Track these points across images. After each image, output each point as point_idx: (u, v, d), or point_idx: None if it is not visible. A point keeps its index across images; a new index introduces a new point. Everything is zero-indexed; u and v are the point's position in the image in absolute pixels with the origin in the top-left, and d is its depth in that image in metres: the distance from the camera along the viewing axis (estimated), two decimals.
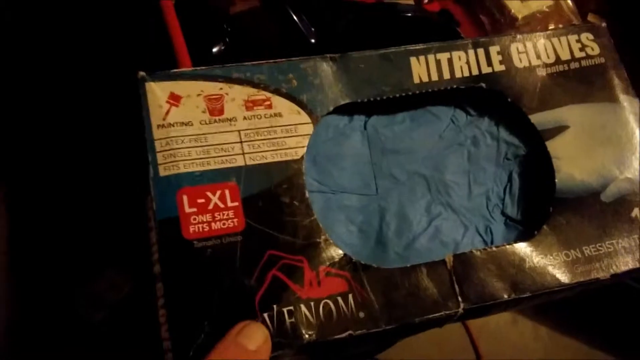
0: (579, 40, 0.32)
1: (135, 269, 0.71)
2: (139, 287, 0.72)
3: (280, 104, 0.28)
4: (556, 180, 0.29)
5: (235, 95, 0.28)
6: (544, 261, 0.27)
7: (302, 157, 0.27)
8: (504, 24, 0.51)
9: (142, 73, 0.27)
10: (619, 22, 0.54)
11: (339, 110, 0.30)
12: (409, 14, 0.39)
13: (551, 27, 0.52)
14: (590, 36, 0.33)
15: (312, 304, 0.25)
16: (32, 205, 0.61)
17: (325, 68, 0.29)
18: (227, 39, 0.43)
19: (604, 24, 0.33)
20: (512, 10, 0.50)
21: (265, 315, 0.24)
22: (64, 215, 0.65)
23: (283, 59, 0.29)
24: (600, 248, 0.28)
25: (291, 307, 0.25)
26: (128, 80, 0.30)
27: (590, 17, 0.54)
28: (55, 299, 0.68)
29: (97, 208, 0.64)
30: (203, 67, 0.28)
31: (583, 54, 0.32)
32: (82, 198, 0.63)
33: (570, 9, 0.53)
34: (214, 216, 0.25)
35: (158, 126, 0.26)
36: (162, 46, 0.38)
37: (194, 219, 0.25)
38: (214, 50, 0.42)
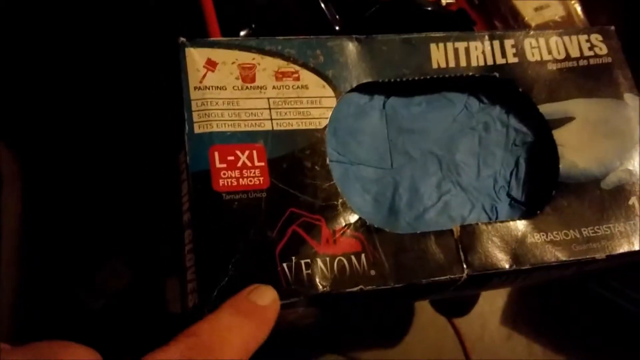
0: (588, 40, 0.34)
1: (136, 258, 0.73)
2: (139, 277, 0.74)
3: (308, 77, 0.30)
4: (560, 166, 0.31)
5: (267, 65, 0.30)
6: (544, 238, 0.29)
7: (325, 127, 0.29)
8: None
9: (182, 39, 0.29)
10: (628, 36, 0.56)
11: (361, 88, 0.32)
12: (430, 8, 0.41)
13: None
14: (600, 37, 0.35)
15: (327, 259, 0.27)
16: (39, 196, 0.62)
17: (351, 47, 0.31)
18: (254, 25, 0.45)
19: (612, 27, 0.36)
20: (526, 18, 0.53)
21: (285, 265, 0.26)
22: (67, 205, 0.66)
23: (312, 36, 0.31)
24: (597, 230, 0.30)
25: (308, 260, 0.26)
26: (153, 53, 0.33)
27: None
28: (57, 286, 0.70)
29: (99, 199, 0.66)
30: (238, 37, 0.30)
31: (592, 53, 0.34)
32: (86, 190, 0.65)
33: (581, 20, 0.55)
34: (242, 173, 0.27)
35: (195, 88, 0.29)
36: (193, 17, 0.40)
37: (224, 174, 0.27)
38: (241, 34, 0.44)
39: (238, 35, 0.44)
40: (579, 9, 0.55)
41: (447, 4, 0.53)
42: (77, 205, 0.67)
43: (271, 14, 0.44)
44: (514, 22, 0.53)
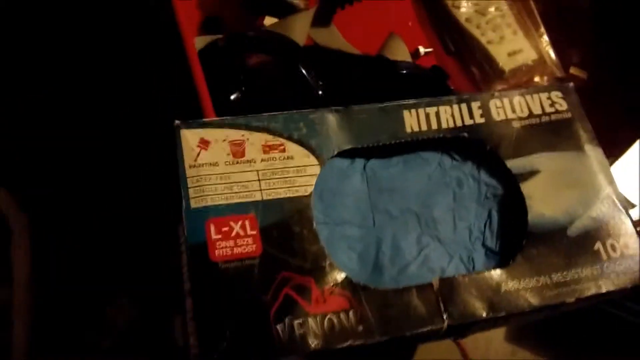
0: (549, 98, 0.38)
1: (142, 296, 0.75)
2: (146, 314, 0.76)
3: (293, 148, 0.33)
4: (528, 217, 0.34)
5: (255, 140, 0.33)
6: (517, 285, 0.32)
7: (311, 193, 0.32)
8: (492, 76, 0.56)
9: (177, 122, 0.32)
10: (600, 73, 0.60)
11: (342, 154, 0.35)
12: (405, 72, 0.44)
13: (536, 79, 0.58)
14: (560, 94, 0.38)
15: (318, 318, 0.29)
16: (50, 233, 0.65)
17: (331, 118, 0.35)
18: (244, 88, 0.48)
19: (571, 84, 0.39)
20: (500, 64, 0.56)
21: (278, 326, 0.29)
22: (78, 244, 0.69)
23: (294, 111, 0.34)
24: (566, 275, 0.33)
25: (300, 320, 0.29)
26: (159, 124, 0.36)
27: (573, 70, 0.59)
28: (67, 328, 0.72)
29: (107, 237, 0.69)
30: (228, 117, 0.33)
31: (553, 109, 0.37)
32: (95, 230, 0.68)
33: (553, 62, 0.58)
34: (236, 242, 0.30)
35: (190, 166, 0.32)
36: (188, 94, 0.44)
37: (219, 244, 0.30)
38: (232, 97, 0.48)
39: (229, 98, 0.47)
40: (551, 52, 0.59)
41: (425, 52, 0.57)
42: (82, 250, 0.69)
43: (259, 79, 0.47)
44: (488, 67, 0.57)
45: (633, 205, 0.50)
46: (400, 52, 0.52)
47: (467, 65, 0.58)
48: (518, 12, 0.59)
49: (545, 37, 0.59)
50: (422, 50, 0.57)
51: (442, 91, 0.46)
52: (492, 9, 0.58)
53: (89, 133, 0.64)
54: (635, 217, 0.49)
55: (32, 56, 0.65)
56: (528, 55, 0.57)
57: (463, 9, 0.58)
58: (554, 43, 0.59)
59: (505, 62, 0.56)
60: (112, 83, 0.60)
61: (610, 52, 0.60)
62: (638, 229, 0.48)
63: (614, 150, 0.54)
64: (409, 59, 0.52)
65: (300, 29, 0.50)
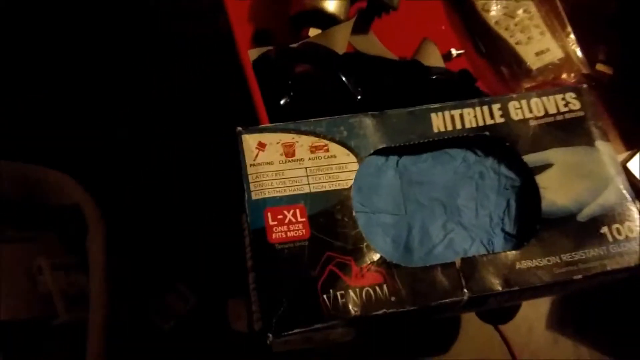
0: (563, 98, 0.42)
1: (201, 284, 0.83)
2: (203, 300, 0.84)
3: (335, 148, 0.39)
4: (542, 205, 0.39)
5: (303, 142, 0.39)
6: (530, 264, 0.37)
7: (351, 186, 0.38)
8: (521, 75, 0.60)
9: (239, 128, 0.39)
10: (625, 70, 0.63)
11: (378, 152, 0.40)
12: (435, 77, 0.49)
13: (564, 76, 0.62)
14: (574, 95, 0.42)
15: (357, 290, 0.35)
16: (117, 236, 0.74)
17: (368, 122, 0.40)
18: (292, 93, 0.54)
19: (585, 86, 0.43)
20: (528, 63, 0.60)
21: (325, 296, 0.35)
22: (142, 237, 0.78)
23: (336, 116, 0.40)
24: (575, 256, 0.37)
25: (343, 292, 0.35)
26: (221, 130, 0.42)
27: (599, 67, 0.62)
28: (134, 311, 0.81)
29: (170, 231, 0.77)
30: (280, 123, 0.39)
31: (567, 109, 0.42)
32: (155, 226, 0.76)
33: (580, 60, 0.62)
34: (289, 227, 0.37)
35: (250, 165, 0.38)
36: (244, 100, 0.50)
37: (276, 229, 0.36)
38: (282, 102, 0.54)
39: (279, 102, 0.54)
40: (577, 50, 0.62)
41: (458, 54, 0.62)
42: (148, 240, 0.78)
43: (304, 86, 0.53)
44: (517, 67, 0.61)
45: None
46: (433, 56, 0.57)
47: (497, 65, 0.62)
48: (545, 14, 0.62)
49: (572, 37, 0.62)
50: (454, 52, 0.61)
51: (470, 93, 0.50)
52: (520, 11, 0.62)
53: (160, 136, 0.72)
54: None
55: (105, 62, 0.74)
56: (555, 55, 0.60)
57: (493, 12, 0.62)
58: (580, 42, 0.62)
59: (533, 62, 0.60)
60: (183, 95, 0.67)
61: (635, 50, 0.63)
62: None
63: (637, 142, 0.57)
64: (441, 61, 0.57)
65: (341, 39, 0.56)
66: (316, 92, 0.52)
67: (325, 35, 0.55)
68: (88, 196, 0.76)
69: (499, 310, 0.75)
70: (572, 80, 0.62)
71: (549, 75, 0.60)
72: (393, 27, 0.62)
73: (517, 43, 0.61)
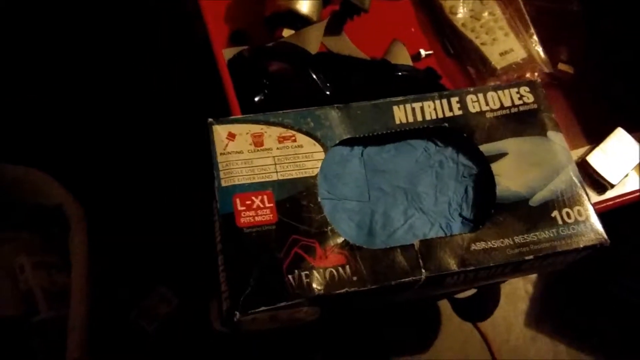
0: (518, 92, 0.45)
1: (183, 285, 0.84)
2: (186, 301, 0.85)
3: (302, 138, 0.41)
4: (497, 191, 0.41)
5: (272, 133, 0.41)
6: (485, 246, 0.39)
7: (317, 174, 0.40)
8: (486, 74, 0.63)
9: (210, 119, 0.41)
10: (585, 69, 0.66)
11: (344, 143, 0.43)
12: (401, 73, 0.52)
13: (527, 75, 0.64)
14: (527, 89, 0.45)
15: (321, 270, 0.37)
16: (99, 235, 0.75)
17: (334, 114, 0.43)
18: (266, 91, 0.56)
19: (538, 80, 0.46)
20: (493, 63, 0.63)
21: (290, 276, 0.37)
22: (124, 239, 0.79)
23: (304, 108, 0.42)
24: (527, 238, 0.40)
25: (307, 272, 0.37)
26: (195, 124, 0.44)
27: (561, 66, 0.65)
28: (117, 312, 0.82)
29: (148, 234, 0.79)
30: (250, 115, 0.42)
31: (521, 102, 0.44)
32: (137, 229, 0.78)
33: (542, 60, 0.65)
34: (257, 212, 0.39)
35: (220, 154, 0.40)
36: (219, 97, 0.52)
37: (244, 214, 0.38)
38: (256, 99, 0.56)
39: (254, 100, 0.56)
40: (540, 50, 0.65)
41: (426, 54, 0.64)
42: (130, 242, 0.79)
43: (278, 84, 0.55)
44: (482, 66, 0.64)
45: (612, 185, 0.57)
46: (401, 56, 0.60)
47: (464, 65, 0.65)
48: (510, 16, 0.65)
49: (535, 37, 0.65)
50: (423, 52, 0.64)
51: (436, 90, 0.53)
52: (485, 14, 0.65)
53: (135, 132, 0.74)
54: (612, 195, 0.56)
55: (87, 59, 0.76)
56: (518, 55, 0.63)
57: (459, 15, 0.65)
58: (543, 42, 0.65)
59: (497, 61, 0.63)
60: (162, 95, 0.69)
61: (595, 50, 0.66)
62: (611, 203, 0.54)
63: (596, 137, 0.60)
64: (409, 61, 0.60)
65: (314, 39, 0.58)
66: (289, 89, 0.54)
67: (299, 35, 0.58)
68: (70, 195, 0.78)
69: (476, 307, 0.77)
70: (536, 79, 0.65)
71: (512, 74, 0.63)
72: (365, 28, 0.64)
73: (482, 44, 0.64)
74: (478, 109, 0.44)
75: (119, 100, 0.82)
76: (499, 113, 0.44)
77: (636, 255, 0.91)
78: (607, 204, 0.57)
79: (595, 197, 0.58)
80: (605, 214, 0.48)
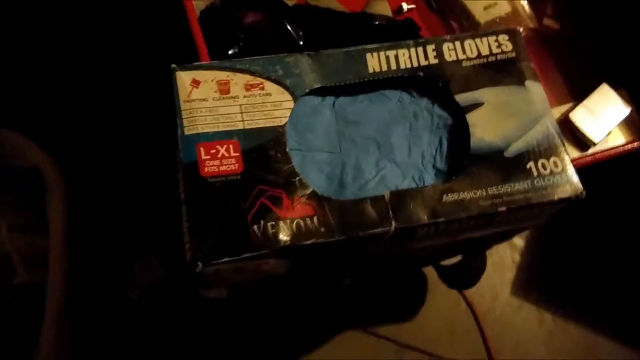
0: (496, 40, 0.43)
1: (167, 254, 0.83)
2: (170, 270, 0.84)
3: (270, 87, 0.40)
4: (471, 142, 0.40)
5: (238, 80, 0.39)
6: (457, 197, 0.38)
7: (285, 124, 0.39)
8: (468, 28, 0.61)
9: (173, 65, 0.39)
10: (571, 25, 0.64)
11: (315, 92, 0.41)
12: (378, 23, 0.50)
13: None
14: (506, 37, 0.43)
15: (288, 221, 0.36)
16: (79, 201, 0.74)
17: (304, 61, 0.41)
18: (241, 43, 0.54)
19: (519, 28, 0.44)
20: (476, 17, 0.61)
21: (255, 227, 0.36)
22: (107, 207, 0.78)
23: (273, 55, 0.41)
24: (500, 189, 0.39)
25: (273, 223, 0.36)
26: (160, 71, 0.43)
27: (546, 21, 0.64)
28: (99, 279, 0.81)
29: (135, 200, 0.77)
30: (216, 61, 0.40)
31: (499, 50, 0.43)
32: (118, 193, 0.76)
33: (527, 15, 0.63)
34: (222, 162, 0.37)
35: (184, 101, 0.38)
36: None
37: (208, 163, 0.37)
38: (230, 52, 0.54)
39: (227, 53, 0.54)
40: (525, 4, 0.63)
41: (409, 9, 0.62)
42: (111, 207, 0.78)
43: (253, 36, 0.53)
44: (465, 21, 0.62)
45: (594, 143, 0.56)
46: (381, 9, 0.58)
47: (447, 19, 0.63)
48: None
49: None
50: (405, 6, 0.62)
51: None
52: None
53: (109, 89, 0.72)
54: (596, 150, 0.55)
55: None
56: (502, 9, 0.61)
57: None
58: None
59: (481, 15, 0.61)
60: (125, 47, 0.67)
61: (581, 5, 0.64)
62: (590, 158, 0.53)
63: (581, 94, 0.59)
64: (389, 14, 0.58)
65: None
66: (263, 41, 0.52)
67: None
68: (47, 157, 0.76)
69: (462, 274, 0.76)
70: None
71: (496, 29, 0.61)
72: None
73: None
74: (455, 58, 0.42)
75: (89, 57, 0.80)
76: (476, 62, 0.42)
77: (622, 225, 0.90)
78: (586, 159, 0.56)
79: (577, 153, 0.57)
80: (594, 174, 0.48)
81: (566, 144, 0.54)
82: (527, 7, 0.63)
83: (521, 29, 0.62)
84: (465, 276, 0.74)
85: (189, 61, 0.43)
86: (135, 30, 0.74)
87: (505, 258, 1.02)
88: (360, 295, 0.88)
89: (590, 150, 0.56)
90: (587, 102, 0.57)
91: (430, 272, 0.92)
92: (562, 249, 0.99)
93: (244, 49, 0.53)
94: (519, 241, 1.00)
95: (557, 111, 0.58)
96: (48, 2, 0.75)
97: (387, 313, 0.92)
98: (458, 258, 0.70)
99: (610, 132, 0.57)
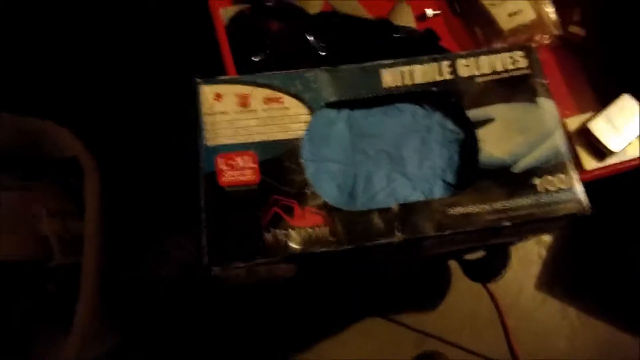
0: (511, 57, 0.44)
1: (198, 233, 0.87)
2: (200, 250, 0.88)
3: (289, 101, 0.42)
4: (479, 157, 0.41)
5: (258, 94, 0.42)
6: (463, 211, 0.40)
7: (301, 136, 0.41)
8: (492, 35, 0.62)
9: (197, 79, 0.42)
10: (599, 33, 0.64)
11: (331, 106, 0.43)
12: (398, 35, 0.51)
13: (537, 37, 0.63)
14: (522, 53, 0.44)
15: (298, 230, 0.39)
16: (118, 181, 0.78)
17: (322, 76, 0.43)
18: (268, 51, 0.57)
19: (533, 45, 0.45)
20: (500, 23, 0.61)
21: (268, 234, 0.38)
22: (140, 189, 0.81)
23: (292, 70, 0.43)
24: (506, 204, 0.40)
25: (285, 231, 0.38)
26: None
27: (572, 29, 0.63)
28: (131, 255, 0.85)
29: (167, 182, 0.81)
30: (237, 76, 0.42)
31: (513, 67, 0.44)
32: (157, 175, 0.80)
33: (552, 22, 0.63)
34: (240, 172, 0.40)
35: (206, 114, 0.41)
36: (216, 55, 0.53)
37: (226, 174, 0.40)
38: (257, 59, 0.56)
39: (253, 59, 0.56)
40: (551, 12, 0.63)
41: (434, 14, 0.63)
42: (144, 189, 0.82)
43: (278, 43, 0.55)
44: (489, 28, 0.62)
45: (612, 152, 0.56)
46: (405, 17, 0.59)
47: (471, 26, 0.63)
48: None
49: None
50: (429, 12, 0.63)
51: (434, 51, 0.52)
52: None
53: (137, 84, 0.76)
54: (611, 162, 0.55)
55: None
56: (527, 16, 0.61)
57: None
58: (556, 3, 0.63)
59: (505, 22, 0.61)
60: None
61: (608, 13, 0.63)
62: (608, 170, 0.53)
63: (603, 103, 0.59)
64: (412, 22, 0.59)
65: None
66: (286, 49, 0.55)
67: None
68: (84, 147, 0.80)
69: (485, 269, 0.78)
70: (546, 42, 0.63)
71: (520, 36, 0.62)
72: None
73: (490, 4, 0.62)
74: (469, 74, 0.43)
75: (126, 57, 0.84)
76: (490, 78, 0.43)
77: None
78: (605, 170, 0.56)
79: (595, 164, 0.57)
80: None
81: (584, 154, 0.56)
82: (552, 15, 0.63)
83: (546, 36, 0.63)
84: (488, 270, 0.75)
85: (213, 67, 0.46)
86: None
87: (531, 253, 1.02)
88: (383, 284, 0.89)
89: (609, 161, 0.56)
90: (606, 112, 0.57)
91: (454, 264, 0.93)
92: (588, 246, 0.98)
93: (269, 57, 0.55)
94: (546, 237, 1.00)
95: (578, 120, 0.58)
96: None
97: (409, 302, 0.93)
98: (481, 252, 0.71)
99: (630, 143, 0.56)
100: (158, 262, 0.89)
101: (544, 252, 1.02)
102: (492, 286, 0.94)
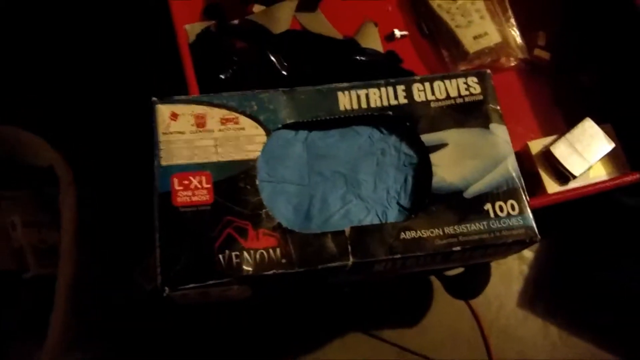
0: (465, 82, 0.45)
1: None
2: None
3: (245, 121, 0.42)
4: (432, 182, 0.42)
5: (214, 114, 0.42)
6: (414, 235, 0.40)
7: (257, 158, 0.41)
8: (458, 57, 0.63)
9: (154, 98, 0.42)
10: (561, 56, 0.65)
11: (289, 127, 0.43)
12: (359, 58, 0.52)
13: (502, 60, 0.64)
14: (475, 79, 0.45)
15: (252, 252, 0.39)
16: (101, 197, 0.77)
17: (278, 97, 0.43)
18: (234, 67, 0.57)
19: (488, 71, 0.46)
20: (466, 46, 0.62)
21: (220, 255, 0.38)
22: (121, 201, 0.81)
23: (248, 91, 0.43)
24: (457, 229, 0.41)
25: (238, 252, 0.39)
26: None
27: (537, 52, 0.65)
28: (117, 271, 0.84)
29: (149, 194, 0.80)
30: (194, 96, 0.42)
31: (467, 92, 0.44)
32: (139, 189, 0.79)
33: (517, 45, 0.64)
34: (194, 192, 0.40)
35: (162, 133, 0.41)
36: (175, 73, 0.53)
37: (181, 194, 0.40)
38: (222, 76, 0.56)
39: (220, 76, 0.56)
40: (516, 35, 0.64)
41: (401, 35, 0.64)
42: (124, 201, 0.81)
43: (243, 62, 0.56)
44: (455, 50, 0.63)
45: (574, 176, 0.57)
46: (371, 37, 0.60)
47: (438, 47, 0.64)
48: None
49: (513, 21, 0.64)
50: (398, 33, 0.64)
51: (396, 73, 0.53)
52: None
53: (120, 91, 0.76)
54: (575, 185, 0.56)
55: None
56: (492, 39, 0.63)
57: None
58: (520, 27, 0.64)
59: (470, 45, 0.62)
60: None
61: (572, 38, 0.65)
62: (571, 193, 0.54)
63: (568, 126, 0.60)
64: (378, 43, 0.60)
65: (283, 16, 0.59)
66: (250, 68, 0.55)
67: (268, 12, 0.58)
68: (59, 156, 0.80)
69: (466, 285, 0.78)
70: (511, 65, 0.64)
71: (485, 59, 0.63)
72: (342, 6, 0.64)
73: (457, 26, 0.63)
74: (424, 98, 0.44)
75: (108, 69, 0.84)
76: (444, 103, 0.44)
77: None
78: (567, 194, 0.57)
79: (558, 187, 0.57)
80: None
81: (547, 178, 0.56)
82: (518, 38, 0.64)
83: (512, 59, 0.64)
84: (468, 287, 0.76)
85: (178, 84, 0.46)
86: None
87: (513, 269, 1.02)
88: (363, 298, 0.89)
89: (572, 185, 0.57)
90: (569, 136, 0.58)
91: (435, 280, 0.93)
92: (571, 264, 0.99)
93: (235, 75, 0.56)
94: (528, 253, 1.00)
95: (541, 143, 0.59)
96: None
97: (390, 317, 0.93)
98: (461, 269, 0.71)
99: (591, 167, 0.57)
100: (143, 276, 0.88)
101: (525, 269, 1.03)
102: (473, 302, 0.95)
